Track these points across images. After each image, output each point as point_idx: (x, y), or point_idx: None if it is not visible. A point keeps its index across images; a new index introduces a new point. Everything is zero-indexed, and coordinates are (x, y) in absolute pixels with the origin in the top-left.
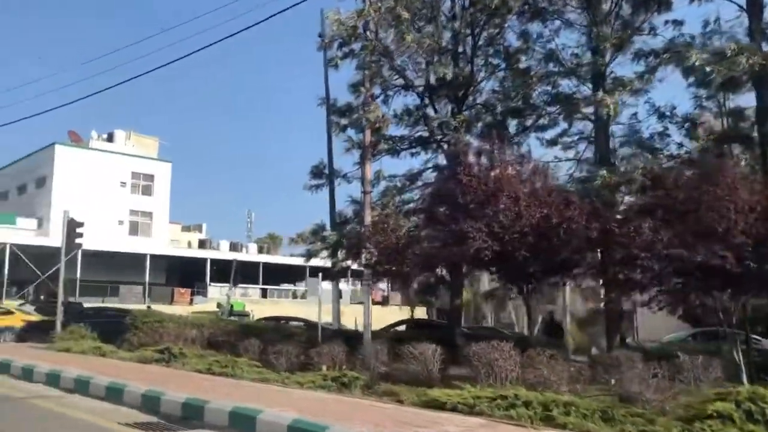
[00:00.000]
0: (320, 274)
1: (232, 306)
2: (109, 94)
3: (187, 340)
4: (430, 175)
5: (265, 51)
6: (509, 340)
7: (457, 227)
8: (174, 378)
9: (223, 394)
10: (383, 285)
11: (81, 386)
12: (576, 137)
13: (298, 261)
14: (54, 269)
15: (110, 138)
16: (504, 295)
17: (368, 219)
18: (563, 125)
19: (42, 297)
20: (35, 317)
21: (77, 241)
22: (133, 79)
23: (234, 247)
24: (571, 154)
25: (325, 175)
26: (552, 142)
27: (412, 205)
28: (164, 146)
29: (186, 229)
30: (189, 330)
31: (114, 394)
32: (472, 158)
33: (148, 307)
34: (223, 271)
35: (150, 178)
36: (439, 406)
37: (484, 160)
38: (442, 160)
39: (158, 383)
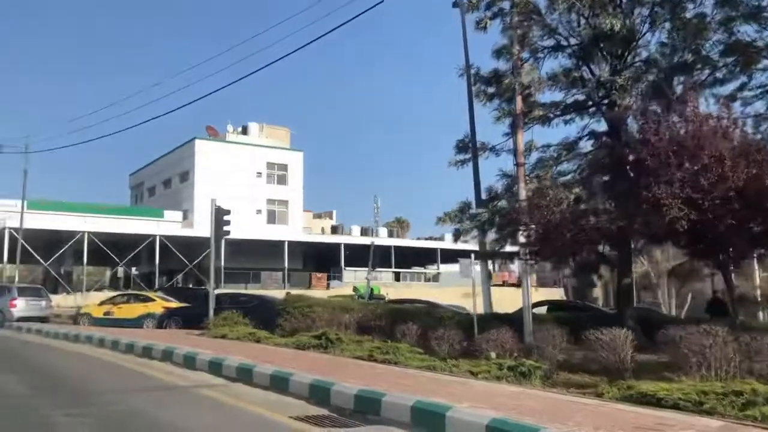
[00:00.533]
0: (472, 255)
1: (372, 290)
2: (240, 89)
3: (341, 324)
4: (586, 144)
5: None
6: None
7: (648, 194)
8: (336, 366)
9: (395, 385)
10: (514, 266)
11: (244, 374)
12: (758, 91)
13: (429, 244)
14: (200, 258)
15: (245, 131)
16: (691, 270)
17: (523, 193)
18: (740, 79)
19: (174, 284)
20: (174, 304)
21: (225, 228)
22: (260, 70)
23: (365, 232)
24: (751, 110)
25: (469, 149)
26: (731, 98)
27: (568, 177)
28: (295, 136)
29: (317, 216)
30: (341, 315)
31: (279, 384)
32: (644, 117)
33: (287, 293)
34: (356, 256)
35: (284, 167)
36: (651, 402)
37: (674, 117)
38: (598, 126)
39: (323, 372)
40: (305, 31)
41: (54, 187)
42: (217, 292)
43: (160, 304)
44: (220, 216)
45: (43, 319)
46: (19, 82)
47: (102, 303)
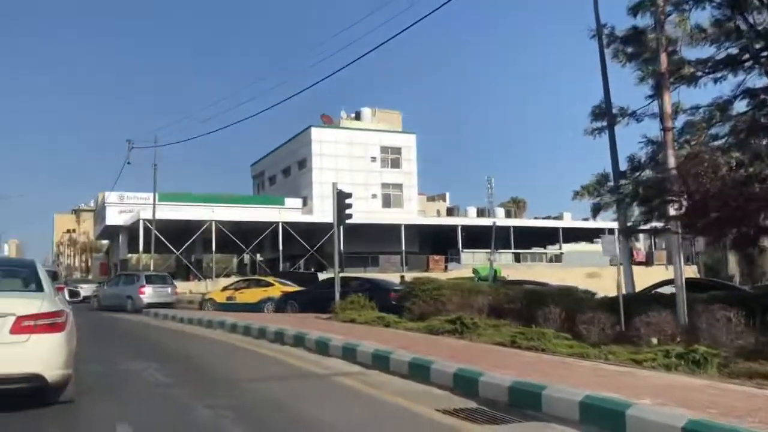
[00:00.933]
0: (616, 232)
1: (496, 272)
2: (352, 73)
3: (472, 308)
4: (740, 104)
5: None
6: None
7: None
8: (478, 353)
9: (551, 375)
10: (639, 243)
11: (380, 362)
12: None
13: (550, 223)
14: (320, 243)
15: (358, 116)
16: None
17: (672, 160)
18: None
19: (296, 269)
20: (291, 288)
21: (347, 212)
22: (370, 53)
23: (481, 213)
24: None
25: (606, 116)
26: None
27: (720, 141)
28: (407, 119)
29: (431, 199)
30: (472, 297)
31: (419, 372)
32: None
33: (402, 276)
34: (473, 238)
35: (397, 151)
36: None
37: None
38: (755, 82)
39: (465, 360)
40: (414, 10)
41: (182, 180)
42: (326, 276)
43: (278, 288)
44: (341, 200)
45: (169, 305)
46: (147, 84)
47: (224, 288)
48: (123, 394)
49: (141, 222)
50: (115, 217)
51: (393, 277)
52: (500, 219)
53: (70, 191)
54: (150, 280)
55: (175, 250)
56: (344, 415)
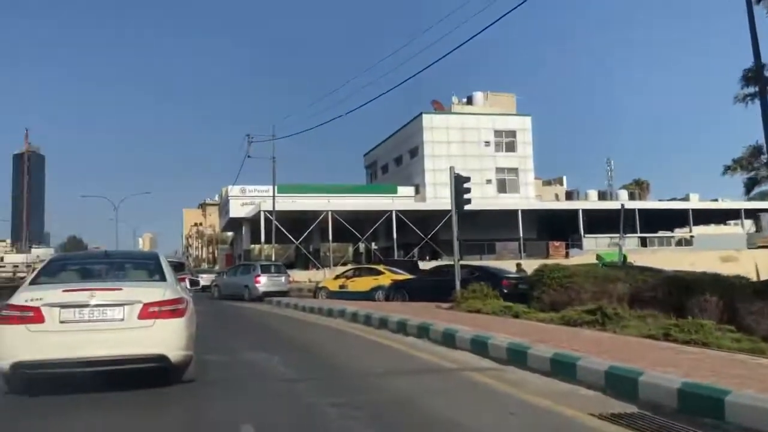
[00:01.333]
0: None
1: (625, 257)
2: (462, 58)
3: (610, 297)
4: None
5: None
6: None
7: None
8: (628, 347)
9: (726, 376)
10: None
11: (516, 357)
12: None
13: (679, 205)
14: (435, 230)
15: (469, 101)
16: None
17: None
18: None
19: (411, 257)
20: (400, 276)
21: (465, 197)
22: (480, 34)
23: (602, 196)
24: None
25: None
26: None
27: None
28: (521, 101)
29: (546, 183)
30: (611, 285)
31: (562, 370)
32: None
33: (518, 264)
34: (594, 222)
35: (512, 134)
36: None
37: None
38: None
39: (616, 356)
40: None
41: (299, 173)
42: (435, 264)
43: (388, 276)
44: (459, 184)
45: (283, 294)
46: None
47: (336, 277)
48: (245, 389)
49: (261, 214)
50: (237, 209)
51: (508, 265)
52: (624, 201)
53: (198, 187)
54: (265, 269)
55: (294, 240)
56: (487, 418)
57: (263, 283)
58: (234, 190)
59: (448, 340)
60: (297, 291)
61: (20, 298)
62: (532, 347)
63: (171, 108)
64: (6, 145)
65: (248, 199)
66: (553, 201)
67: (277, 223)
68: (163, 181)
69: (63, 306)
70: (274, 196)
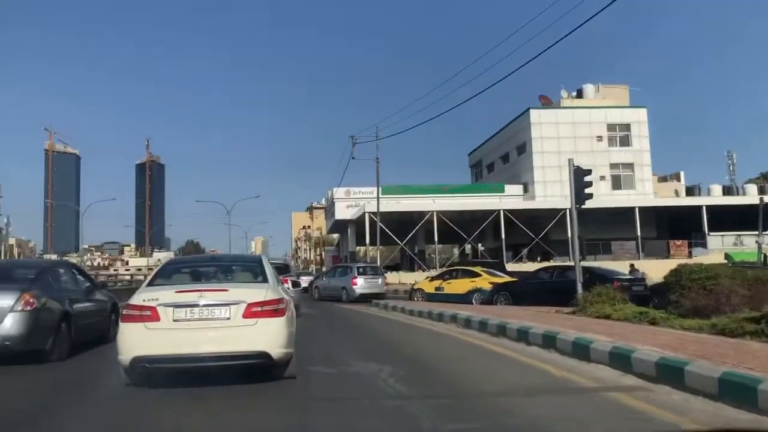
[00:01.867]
0: None
1: (766, 256)
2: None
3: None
4: None
5: None
6: None
7: None
8: None
9: None
10: None
11: (669, 374)
12: None
13: None
14: (546, 230)
15: (579, 94)
16: None
17: None
18: None
19: (521, 258)
20: (500, 278)
21: (587, 191)
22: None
23: (728, 191)
24: None
25: None
26: None
27: None
28: (635, 93)
29: (662, 179)
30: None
31: (736, 394)
32: None
33: (631, 265)
34: (716, 219)
35: (626, 127)
36: None
37: None
38: None
39: None
40: None
41: (402, 175)
42: (540, 265)
43: (486, 279)
44: (579, 177)
45: (379, 296)
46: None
47: (432, 279)
48: (357, 409)
49: (366, 215)
50: (343, 211)
51: (622, 266)
52: (763, 196)
53: (307, 191)
54: (362, 271)
55: (399, 242)
56: None
57: (360, 284)
58: (339, 192)
59: (580, 351)
60: (392, 292)
61: (139, 298)
62: (690, 363)
63: (281, 114)
64: (129, 156)
65: (353, 201)
66: (672, 197)
67: (381, 225)
68: (273, 186)
69: (176, 306)
70: (378, 197)
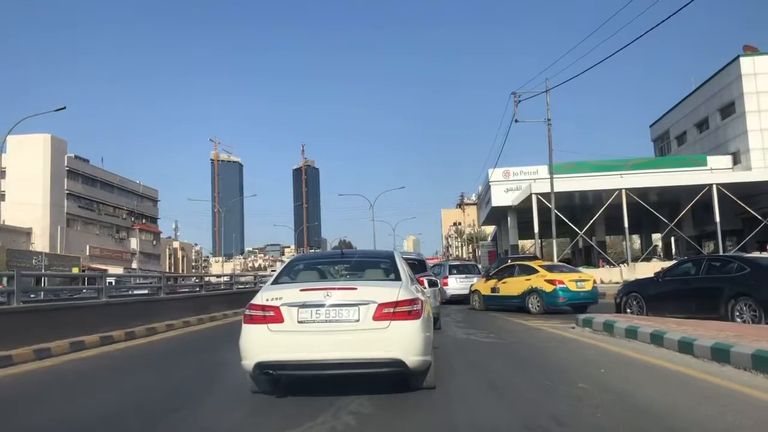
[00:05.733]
0: None
1: None
2: None
3: None
4: None
5: None
6: None
7: None
8: None
9: None
10: None
11: None
12: None
13: None
14: None
15: None
16: None
17: None
18: None
19: (726, 248)
20: (561, 275)
21: None
22: None
23: None
24: None
25: None
26: None
27: None
28: None
29: None
30: None
31: None
32: None
33: None
34: None
35: None
36: None
37: None
38: None
39: None
40: None
41: (569, 153)
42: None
43: (542, 275)
44: None
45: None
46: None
47: (489, 278)
48: None
49: (533, 198)
50: (500, 197)
51: None
52: None
53: (457, 188)
54: (455, 270)
55: (578, 230)
56: None
57: (452, 285)
58: (496, 173)
59: None
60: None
61: (261, 297)
62: None
63: (430, 112)
64: (286, 161)
65: (513, 183)
66: None
67: (555, 210)
68: (422, 184)
69: (301, 306)
70: (551, 172)
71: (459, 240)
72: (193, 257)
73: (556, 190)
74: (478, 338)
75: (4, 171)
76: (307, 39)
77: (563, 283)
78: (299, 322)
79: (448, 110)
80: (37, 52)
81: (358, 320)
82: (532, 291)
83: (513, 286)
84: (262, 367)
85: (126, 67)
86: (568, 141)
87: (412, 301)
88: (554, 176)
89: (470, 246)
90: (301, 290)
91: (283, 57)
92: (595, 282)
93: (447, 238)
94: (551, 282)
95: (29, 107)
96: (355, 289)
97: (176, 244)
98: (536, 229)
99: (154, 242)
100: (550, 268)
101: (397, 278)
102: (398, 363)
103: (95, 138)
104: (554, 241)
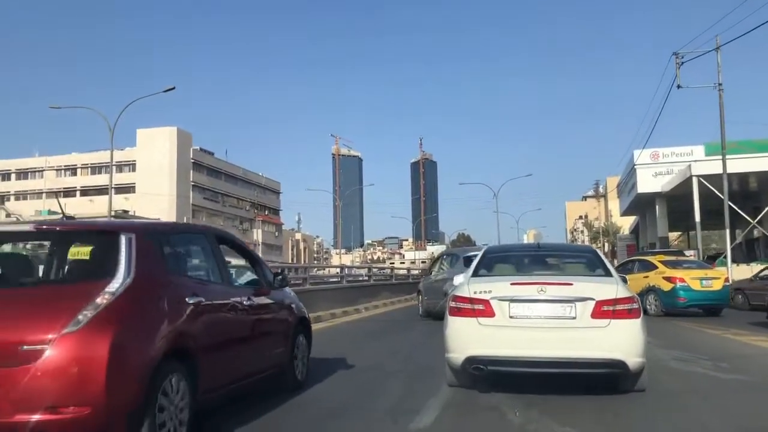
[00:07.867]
0: None
1: None
2: None
3: None
4: None
5: None
6: None
7: None
8: None
9: None
10: None
11: None
12: None
13: None
14: None
15: None
16: None
17: None
18: None
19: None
20: (685, 272)
21: None
22: None
23: None
24: None
25: None
26: None
27: None
28: None
29: None
30: None
31: None
32: None
33: None
34: None
35: None
36: None
37: None
38: None
39: None
40: None
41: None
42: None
43: (661, 272)
44: None
45: None
46: None
47: None
48: None
49: (694, 181)
50: (647, 182)
51: None
52: None
53: (581, 180)
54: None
55: (750, 219)
56: None
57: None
58: (643, 155)
59: None
60: None
61: (468, 290)
62: None
63: (557, 107)
64: (404, 154)
65: (664, 166)
66: None
67: (726, 199)
68: (546, 175)
69: (512, 300)
70: (724, 140)
71: (588, 233)
72: (315, 249)
73: (727, 171)
74: (696, 368)
75: (134, 164)
76: (432, 21)
77: (684, 281)
78: (511, 317)
79: (579, 93)
80: (163, 46)
81: (574, 317)
82: (650, 289)
83: (632, 284)
84: (473, 362)
85: (249, 61)
86: (732, 113)
87: (631, 300)
88: (713, 158)
89: (597, 241)
90: (512, 284)
91: (401, 41)
92: (726, 280)
93: (572, 232)
94: (669, 279)
95: (160, 100)
96: (571, 284)
97: (298, 236)
98: (697, 218)
99: (276, 234)
100: (674, 264)
101: (608, 274)
102: (619, 364)
103: (218, 129)
104: (727, 231)
